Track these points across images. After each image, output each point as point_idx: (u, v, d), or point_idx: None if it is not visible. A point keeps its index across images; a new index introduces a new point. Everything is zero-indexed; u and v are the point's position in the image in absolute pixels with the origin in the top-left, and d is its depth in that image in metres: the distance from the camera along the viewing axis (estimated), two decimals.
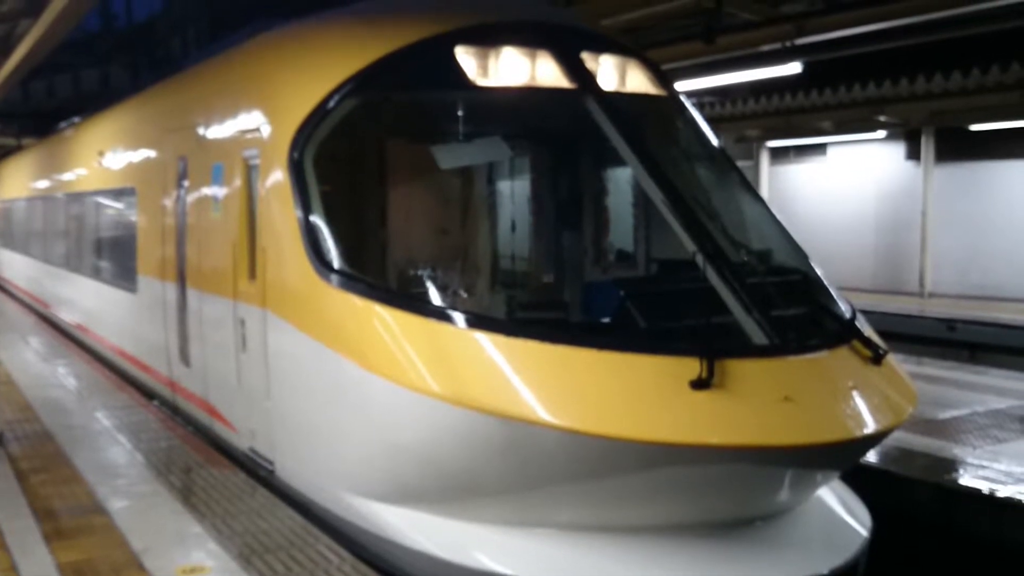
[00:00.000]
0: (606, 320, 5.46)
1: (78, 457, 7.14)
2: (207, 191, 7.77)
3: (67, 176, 15.35)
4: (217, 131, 7.70)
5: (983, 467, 7.41)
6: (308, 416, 5.94)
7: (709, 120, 7.30)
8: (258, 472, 6.69)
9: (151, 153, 9.93)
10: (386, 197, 6.62)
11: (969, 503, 6.93)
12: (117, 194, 11.51)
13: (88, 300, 13.24)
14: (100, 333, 12.43)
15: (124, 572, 4.90)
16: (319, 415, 5.78)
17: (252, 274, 6.65)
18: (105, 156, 12.38)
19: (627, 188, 7.51)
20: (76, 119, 16.77)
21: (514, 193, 7.48)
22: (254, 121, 6.80)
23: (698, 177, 6.91)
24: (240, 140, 7.02)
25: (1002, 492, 6.84)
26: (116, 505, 6.00)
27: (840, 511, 5.84)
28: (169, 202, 8.99)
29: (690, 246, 5.38)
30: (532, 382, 4.67)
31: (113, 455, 7.22)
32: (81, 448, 7.41)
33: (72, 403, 9.11)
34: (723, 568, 4.99)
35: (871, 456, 7.48)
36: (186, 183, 8.42)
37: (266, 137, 6.51)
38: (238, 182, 7.00)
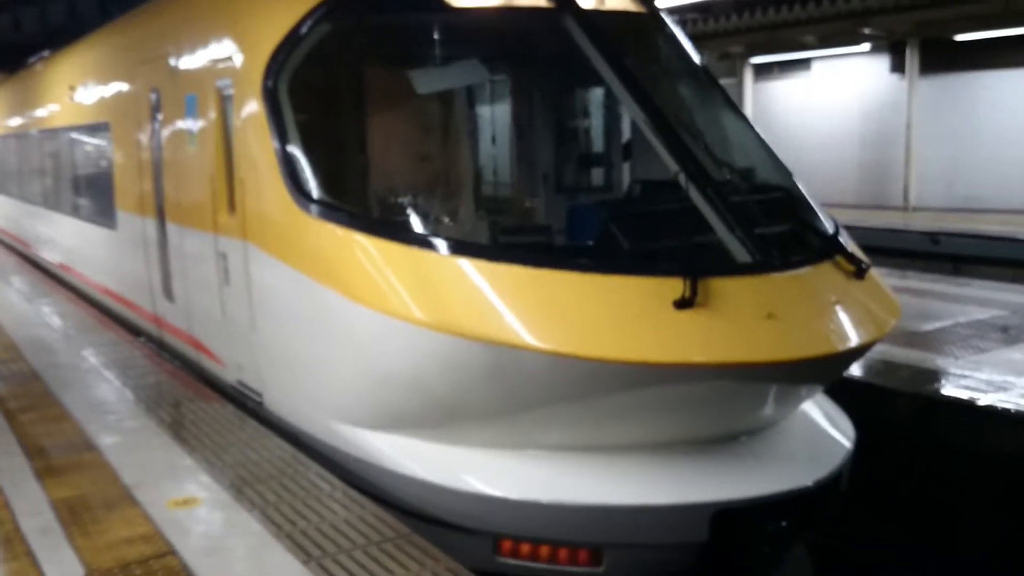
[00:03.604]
0: (589, 243, 5.44)
1: (66, 395, 7.15)
2: (181, 123, 7.64)
3: (40, 112, 15.08)
4: (189, 62, 7.54)
5: (965, 376, 7.51)
6: (294, 347, 5.94)
7: (691, 37, 7.18)
8: (247, 404, 6.72)
9: (123, 86, 9.74)
10: (363, 124, 6.51)
11: (950, 412, 7.04)
12: (91, 129, 11.32)
13: (68, 238, 13.12)
14: (82, 271, 12.35)
15: (116, 506, 4.94)
16: (304, 345, 5.78)
17: (231, 207, 6.58)
18: (77, 91, 12.14)
19: (608, 109, 7.42)
20: (46, 53, 16.41)
21: (494, 117, 7.37)
22: (226, 50, 6.65)
23: (680, 96, 6.82)
24: (213, 70, 6.88)
25: (983, 400, 6.94)
26: (106, 441, 6.03)
27: (824, 424, 5.92)
28: (144, 136, 8.85)
29: (672, 166, 5.34)
30: (515, 306, 4.66)
31: (101, 392, 7.23)
32: (69, 386, 7.41)
33: (58, 342, 9.09)
34: (709, 482, 5.06)
35: (855, 369, 7.57)
36: (160, 116, 8.28)
37: (239, 66, 6.38)
38: (212, 113, 6.88)
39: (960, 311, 9.90)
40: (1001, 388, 7.18)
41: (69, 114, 12.72)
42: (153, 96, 8.45)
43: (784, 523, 5.10)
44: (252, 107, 6.08)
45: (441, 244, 5.00)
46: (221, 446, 5.86)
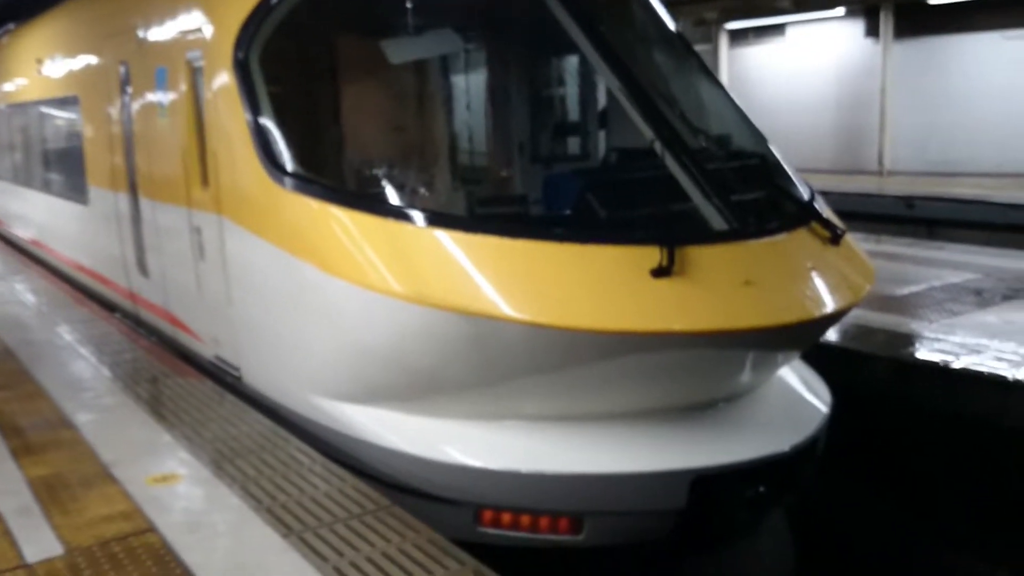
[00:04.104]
0: (565, 212, 5.42)
1: (41, 373, 7.09)
2: (152, 96, 7.54)
3: (7, 87, 14.82)
4: (158, 33, 7.42)
5: (939, 340, 7.58)
6: (271, 321, 5.91)
7: (666, 3, 7.13)
8: (225, 379, 6.69)
9: (91, 59, 9.58)
10: (336, 95, 6.44)
11: (925, 375, 7.12)
12: (61, 103, 11.15)
13: (40, 214, 12.95)
14: (55, 247, 12.21)
15: (94, 484, 4.92)
16: (282, 320, 5.75)
17: (205, 181, 6.51)
18: (45, 64, 11.93)
19: (583, 77, 7.37)
20: (12, 26, 16.10)
21: (469, 86, 7.31)
22: (195, 21, 6.55)
23: (655, 63, 6.79)
24: (182, 42, 6.77)
25: (956, 364, 7.02)
26: (83, 418, 5.99)
27: (801, 389, 5.97)
28: (114, 110, 8.72)
29: (648, 134, 5.32)
30: (493, 277, 4.65)
31: (77, 369, 7.17)
32: (44, 364, 7.35)
33: (32, 319, 8.99)
34: (687, 449, 5.10)
35: (831, 334, 7.63)
36: (130, 89, 8.16)
37: (209, 37, 6.28)
38: (183, 86, 6.78)
39: (935, 275, 9.99)
40: (975, 351, 7.26)
41: (37, 88, 12.51)
42: (122, 69, 8.32)
43: (762, 489, 5.16)
44: (223, 79, 6.00)
45: (417, 216, 4.97)
46: (200, 422, 5.83)
